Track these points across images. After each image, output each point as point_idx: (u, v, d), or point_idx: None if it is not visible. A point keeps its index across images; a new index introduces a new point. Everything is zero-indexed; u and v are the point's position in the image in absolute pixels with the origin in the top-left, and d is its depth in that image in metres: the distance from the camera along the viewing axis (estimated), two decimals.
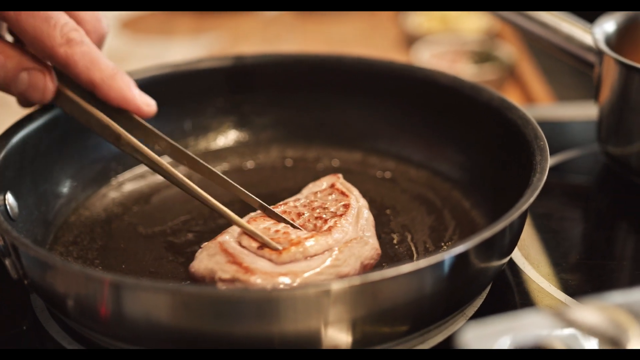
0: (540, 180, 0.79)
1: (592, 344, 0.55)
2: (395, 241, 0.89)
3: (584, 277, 0.87)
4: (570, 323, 0.56)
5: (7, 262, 0.77)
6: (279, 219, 0.83)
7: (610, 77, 0.98)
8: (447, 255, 0.71)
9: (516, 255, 0.89)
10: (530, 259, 0.88)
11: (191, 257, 0.88)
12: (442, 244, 0.89)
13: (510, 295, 0.85)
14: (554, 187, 1.02)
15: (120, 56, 1.76)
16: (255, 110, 1.09)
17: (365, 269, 0.80)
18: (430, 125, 1.02)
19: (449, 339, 0.78)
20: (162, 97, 1.05)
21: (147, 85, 1.03)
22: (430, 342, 0.77)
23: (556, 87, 1.57)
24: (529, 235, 0.94)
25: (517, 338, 0.53)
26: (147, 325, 0.71)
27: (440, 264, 0.71)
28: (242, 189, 0.88)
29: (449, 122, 1.00)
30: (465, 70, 1.56)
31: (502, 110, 0.93)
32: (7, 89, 0.84)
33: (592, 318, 0.57)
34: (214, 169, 0.89)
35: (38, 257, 0.72)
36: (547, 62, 1.64)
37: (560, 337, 0.54)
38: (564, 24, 1.07)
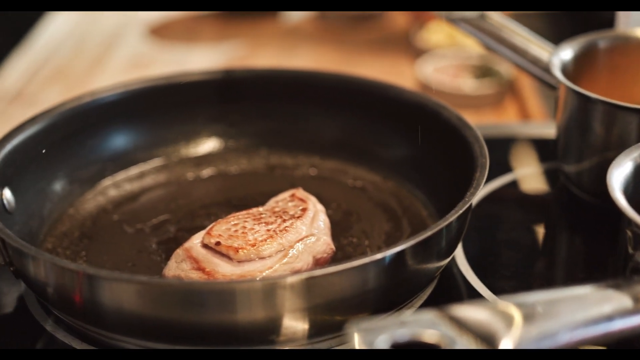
0: (473, 195, 0.86)
1: (465, 343, 0.62)
2: (352, 245, 0.98)
3: (519, 284, 0.94)
4: (452, 321, 0.63)
5: None
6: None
7: (564, 101, 1.04)
8: (381, 255, 0.79)
9: (462, 260, 0.96)
10: (473, 264, 0.95)
11: (168, 253, 0.97)
12: None
13: (454, 294, 0.92)
14: (510, 200, 1.09)
15: (145, 62, 1.87)
16: (242, 120, 1.18)
17: (319, 262, 0.88)
18: (398, 139, 1.10)
19: None
20: (158, 106, 1.16)
21: (144, 94, 1.15)
22: None
23: (550, 104, 1.62)
24: (474, 240, 1.00)
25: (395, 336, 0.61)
26: (113, 312, 0.80)
27: (374, 263, 0.79)
28: None
29: (415, 137, 1.08)
30: (466, 85, 1.62)
31: (459, 128, 1.00)
32: None
33: (476, 316, 0.64)
34: None
35: (18, 246, 0.82)
36: None
37: (435, 335, 0.62)
38: (532, 45, 1.14)
